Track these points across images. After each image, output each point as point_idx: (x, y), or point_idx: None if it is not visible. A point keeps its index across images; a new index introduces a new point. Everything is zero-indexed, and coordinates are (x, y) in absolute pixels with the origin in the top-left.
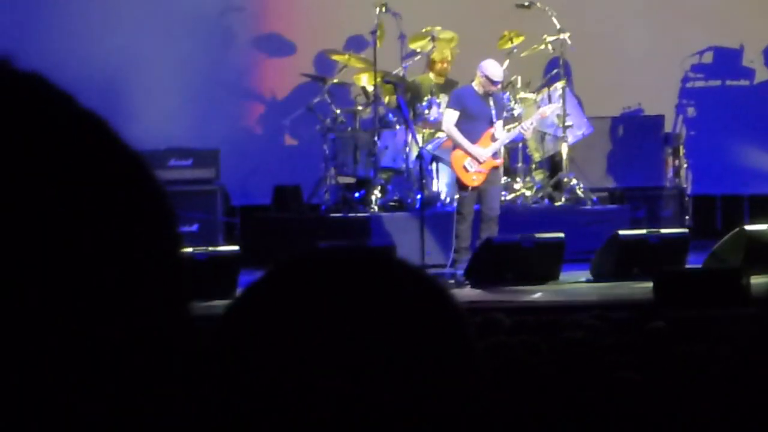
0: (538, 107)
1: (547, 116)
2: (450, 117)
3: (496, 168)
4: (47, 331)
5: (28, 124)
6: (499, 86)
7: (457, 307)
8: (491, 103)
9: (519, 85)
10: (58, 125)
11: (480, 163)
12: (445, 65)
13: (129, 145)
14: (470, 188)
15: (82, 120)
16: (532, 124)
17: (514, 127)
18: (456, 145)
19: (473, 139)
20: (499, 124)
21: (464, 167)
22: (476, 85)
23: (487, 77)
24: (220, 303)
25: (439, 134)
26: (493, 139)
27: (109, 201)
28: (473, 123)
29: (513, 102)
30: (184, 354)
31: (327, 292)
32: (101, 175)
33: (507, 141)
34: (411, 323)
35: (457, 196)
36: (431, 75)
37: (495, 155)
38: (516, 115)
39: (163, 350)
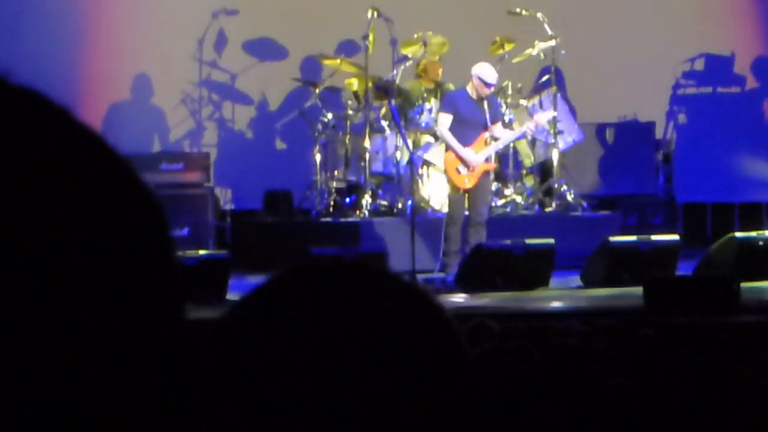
0: (530, 114)
1: (542, 124)
2: (443, 120)
3: (487, 172)
4: (42, 336)
5: (23, 137)
6: (493, 89)
7: (447, 317)
8: (485, 106)
9: (510, 91)
10: (52, 138)
11: (472, 167)
12: (434, 67)
13: (121, 155)
14: (461, 191)
15: (76, 132)
16: (530, 130)
17: (508, 132)
18: (449, 148)
19: (466, 143)
20: (498, 126)
21: (457, 169)
22: (470, 89)
23: (480, 80)
24: (211, 308)
25: (430, 139)
26: (488, 142)
27: (101, 210)
28: (467, 127)
29: (504, 108)
30: (178, 358)
31: (320, 303)
32: (94, 185)
33: (502, 145)
34: (402, 334)
35: (447, 200)
36: (422, 80)
37: (488, 159)
38: (507, 121)
39: (158, 354)
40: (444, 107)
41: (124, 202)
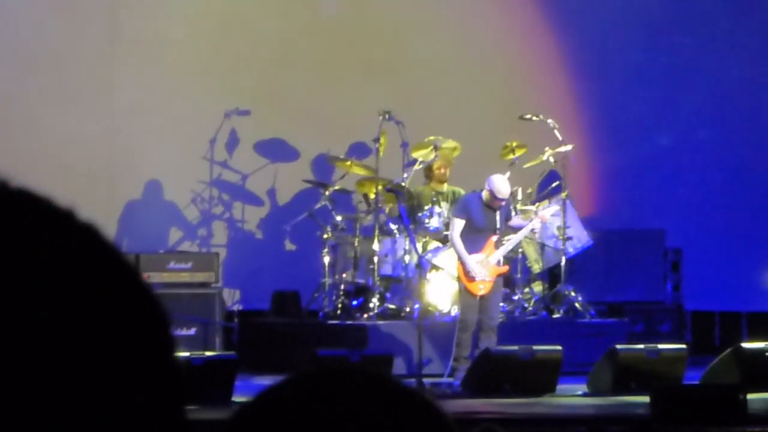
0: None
1: (547, 220)
2: (456, 225)
3: (500, 276)
4: None
5: (28, 241)
6: (503, 203)
7: (450, 424)
8: (496, 212)
9: (520, 196)
10: (56, 241)
11: (473, 278)
12: (443, 170)
13: (124, 256)
14: (477, 297)
15: (80, 234)
16: (533, 231)
17: (515, 235)
18: (457, 254)
19: (478, 247)
20: (514, 219)
21: (471, 276)
22: (484, 196)
23: (492, 193)
24: (216, 409)
25: (439, 243)
26: (497, 246)
27: (104, 311)
28: (478, 232)
29: (514, 213)
30: None
31: (324, 409)
32: (97, 288)
33: (511, 247)
34: None
35: (460, 305)
36: (432, 184)
37: (499, 263)
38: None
39: None
40: (457, 212)
41: (123, 302)
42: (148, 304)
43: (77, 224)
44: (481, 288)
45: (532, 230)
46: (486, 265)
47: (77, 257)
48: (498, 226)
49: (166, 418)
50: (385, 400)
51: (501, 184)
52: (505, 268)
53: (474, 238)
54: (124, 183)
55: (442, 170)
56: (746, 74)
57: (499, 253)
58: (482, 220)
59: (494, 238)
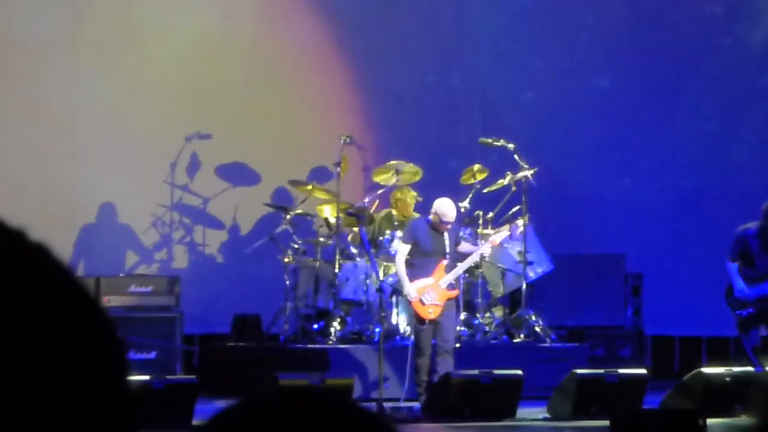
0: (500, 244)
1: (497, 245)
2: (401, 250)
3: (450, 300)
4: None
5: None
6: (449, 226)
7: None
8: (445, 236)
9: (481, 221)
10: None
11: (422, 302)
12: (405, 206)
13: (74, 275)
14: (427, 321)
15: (30, 253)
16: (483, 256)
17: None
18: (400, 277)
19: (428, 272)
20: (461, 245)
21: (421, 301)
22: (431, 219)
23: (437, 215)
24: None
25: None
26: (447, 270)
27: (53, 329)
28: (427, 256)
29: (475, 237)
30: None
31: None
32: (46, 308)
33: (461, 271)
34: None
35: (413, 330)
36: (393, 210)
37: (450, 286)
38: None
39: None
40: (404, 237)
41: (73, 321)
42: (99, 323)
43: (27, 244)
44: (430, 312)
45: (482, 255)
46: (436, 289)
47: (27, 276)
48: (447, 250)
49: None
50: (343, 423)
51: (447, 207)
52: (455, 292)
53: (424, 262)
54: (81, 206)
55: (405, 208)
56: (704, 100)
57: (450, 277)
58: (430, 244)
59: (444, 262)
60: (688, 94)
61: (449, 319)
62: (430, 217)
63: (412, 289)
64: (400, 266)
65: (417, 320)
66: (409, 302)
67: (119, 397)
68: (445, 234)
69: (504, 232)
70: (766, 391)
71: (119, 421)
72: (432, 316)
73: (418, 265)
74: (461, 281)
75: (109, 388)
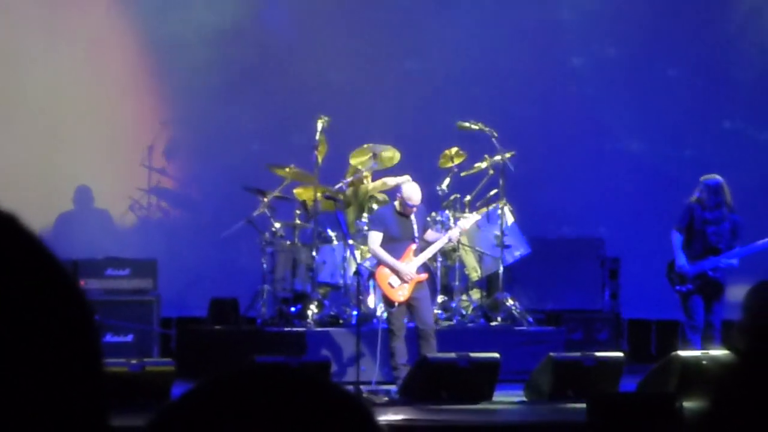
0: (478, 226)
1: (466, 229)
2: (374, 238)
3: (421, 282)
4: None
5: None
6: (415, 209)
7: (380, 429)
8: (412, 219)
9: (459, 204)
10: None
11: (404, 280)
12: (360, 180)
13: (53, 257)
14: (397, 304)
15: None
16: (450, 240)
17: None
18: (383, 264)
19: (397, 256)
20: (428, 232)
21: (389, 284)
22: (397, 205)
23: (403, 200)
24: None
25: None
26: (416, 253)
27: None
28: (396, 241)
29: (451, 221)
30: None
31: (255, 410)
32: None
33: (431, 254)
34: None
35: (386, 314)
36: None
37: (420, 270)
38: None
39: None
40: (374, 226)
41: (53, 305)
42: (69, 292)
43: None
44: (400, 295)
45: (449, 240)
46: None
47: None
48: (416, 234)
49: (89, 424)
50: (313, 399)
51: (411, 191)
52: (424, 276)
53: (392, 248)
54: (58, 189)
55: (361, 181)
56: (684, 83)
57: (418, 261)
58: (397, 229)
59: (413, 246)
60: (671, 77)
61: (424, 301)
62: (395, 202)
63: (406, 268)
64: (381, 254)
65: (386, 303)
66: (379, 286)
67: (93, 377)
68: (413, 217)
69: (474, 216)
70: (722, 367)
71: (92, 401)
72: (402, 299)
73: (387, 251)
74: (438, 264)
75: (83, 367)
